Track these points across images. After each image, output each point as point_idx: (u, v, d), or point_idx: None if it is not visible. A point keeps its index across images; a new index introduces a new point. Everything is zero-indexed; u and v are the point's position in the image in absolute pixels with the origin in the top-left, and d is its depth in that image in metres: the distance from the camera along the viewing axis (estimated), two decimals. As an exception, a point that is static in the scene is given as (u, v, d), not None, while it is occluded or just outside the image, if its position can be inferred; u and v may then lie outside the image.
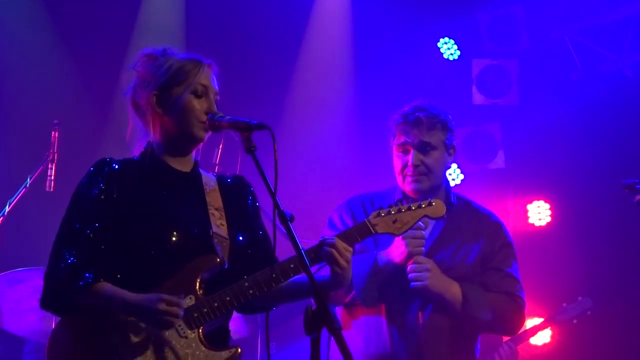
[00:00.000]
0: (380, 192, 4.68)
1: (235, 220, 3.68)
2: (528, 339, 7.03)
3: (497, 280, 4.53)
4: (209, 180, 3.74)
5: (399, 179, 4.57)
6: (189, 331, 3.43)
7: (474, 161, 8.37)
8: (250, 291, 3.49)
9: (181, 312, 3.37)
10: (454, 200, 4.62)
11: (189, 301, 3.45)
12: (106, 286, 3.37)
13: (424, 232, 4.37)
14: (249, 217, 3.74)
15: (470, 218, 4.63)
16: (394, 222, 3.84)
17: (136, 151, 3.65)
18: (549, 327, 7.37)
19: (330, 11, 8.49)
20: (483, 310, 4.42)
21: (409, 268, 4.34)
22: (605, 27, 7.98)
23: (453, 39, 8.51)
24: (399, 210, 3.87)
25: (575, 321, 6.98)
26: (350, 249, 3.62)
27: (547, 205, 8.25)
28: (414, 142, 4.49)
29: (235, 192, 3.76)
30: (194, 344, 3.44)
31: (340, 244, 3.58)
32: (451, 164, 4.68)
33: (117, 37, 3.58)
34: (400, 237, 4.26)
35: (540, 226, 8.26)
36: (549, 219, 8.24)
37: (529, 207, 8.29)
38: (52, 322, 5.76)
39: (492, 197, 8.23)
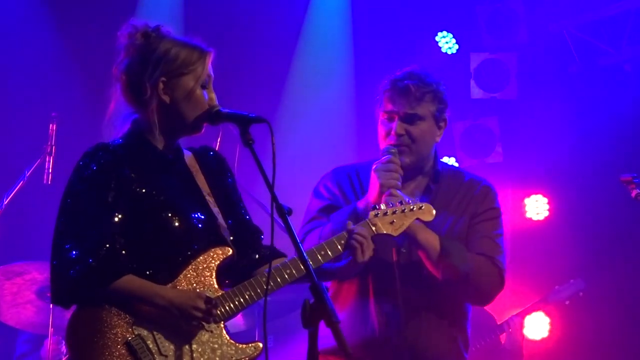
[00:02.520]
0: (366, 163, 4.41)
1: (222, 204, 3.66)
2: (524, 317, 7.03)
3: (478, 242, 4.29)
4: (190, 160, 3.68)
5: (382, 147, 4.33)
6: (214, 325, 3.42)
7: (472, 155, 8.37)
8: (269, 287, 3.48)
9: (217, 312, 3.38)
10: (441, 168, 4.41)
11: (209, 294, 3.44)
12: (134, 278, 3.33)
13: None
14: (231, 199, 3.71)
15: (460, 185, 4.42)
16: (392, 223, 3.95)
17: (119, 132, 3.56)
18: (542, 311, 7.42)
19: (329, 5, 8.47)
20: (460, 263, 4.15)
21: (382, 200, 4.07)
22: (603, 21, 7.98)
23: (451, 33, 8.50)
24: (394, 212, 3.96)
25: (567, 302, 7.00)
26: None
27: (545, 200, 8.25)
28: (400, 112, 4.26)
29: (217, 172, 3.71)
30: (219, 339, 3.43)
31: (367, 234, 3.78)
32: (439, 138, 4.38)
33: (116, 29, 3.58)
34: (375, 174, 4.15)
35: (538, 220, 8.26)
36: (546, 214, 8.24)
37: (526, 201, 8.29)
38: (49, 315, 5.76)
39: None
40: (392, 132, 4.26)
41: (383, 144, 4.32)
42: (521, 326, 6.87)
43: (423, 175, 4.40)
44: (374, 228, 3.91)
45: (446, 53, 8.49)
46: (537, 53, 8.30)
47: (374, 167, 4.20)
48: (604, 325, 7.63)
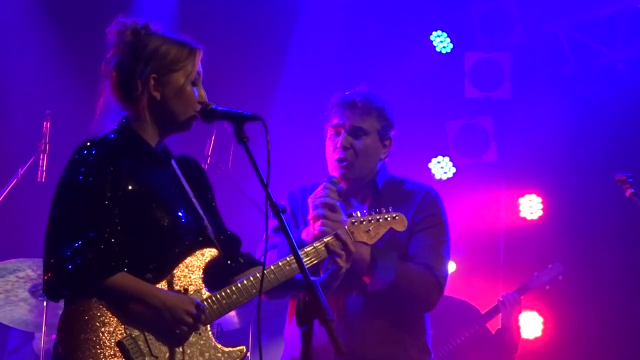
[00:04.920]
0: (311, 186, 4.45)
1: (205, 210, 3.66)
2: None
3: (417, 251, 4.31)
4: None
5: (330, 164, 4.43)
6: (202, 327, 3.43)
7: (466, 154, 8.38)
8: (254, 290, 3.51)
9: (204, 318, 3.40)
10: (380, 182, 4.44)
11: (198, 296, 3.45)
12: (128, 275, 3.32)
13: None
14: (213, 208, 3.73)
15: (402, 193, 4.46)
16: (367, 231, 4.02)
17: (107, 128, 3.55)
18: (536, 311, 7.44)
19: (323, 3, 8.47)
20: (388, 273, 4.17)
21: (309, 215, 4.17)
22: (598, 21, 7.99)
23: (446, 32, 8.51)
24: (370, 221, 4.03)
25: (547, 287, 7.01)
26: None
27: (539, 199, 8.25)
28: (346, 124, 4.36)
29: (199, 180, 3.73)
30: (207, 342, 3.44)
31: (351, 240, 3.84)
32: (385, 157, 4.47)
33: (110, 25, 3.60)
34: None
35: (532, 220, 8.26)
36: (540, 213, 8.24)
37: (520, 200, 8.29)
38: (43, 313, 5.75)
39: (484, 190, 8.24)
40: (338, 145, 4.36)
41: (331, 157, 4.41)
42: (518, 305, 6.84)
43: (363, 187, 4.46)
44: (351, 236, 3.96)
45: (441, 52, 8.50)
46: (531, 52, 8.31)
47: (309, 198, 4.24)
48: (597, 324, 7.64)
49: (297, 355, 4.22)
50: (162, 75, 3.47)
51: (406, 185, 4.51)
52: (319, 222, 4.11)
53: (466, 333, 6.66)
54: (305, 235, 4.18)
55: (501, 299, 6.80)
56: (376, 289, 4.21)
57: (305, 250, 3.82)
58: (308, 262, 3.80)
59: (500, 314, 6.78)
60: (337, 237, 3.88)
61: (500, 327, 6.78)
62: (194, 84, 3.51)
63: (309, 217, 4.18)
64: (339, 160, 4.36)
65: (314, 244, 3.86)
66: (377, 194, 4.42)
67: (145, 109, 3.48)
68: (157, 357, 3.32)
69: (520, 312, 6.86)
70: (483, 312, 6.84)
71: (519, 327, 6.87)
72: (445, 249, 4.37)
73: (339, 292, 4.21)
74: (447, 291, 6.53)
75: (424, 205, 4.41)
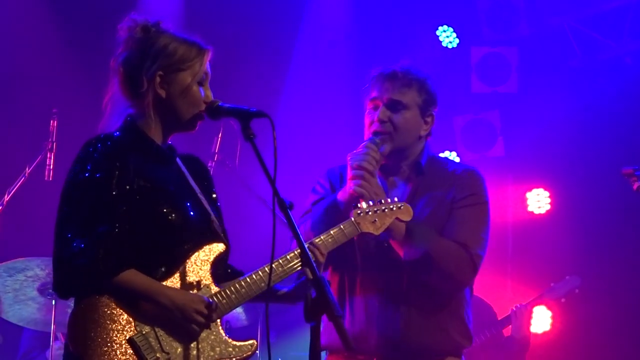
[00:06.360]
0: None
1: (208, 203, 3.66)
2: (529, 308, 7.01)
3: (454, 229, 4.16)
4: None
5: (366, 137, 4.24)
6: (212, 322, 3.43)
7: (473, 149, 8.38)
8: (262, 284, 3.50)
9: (215, 316, 3.40)
10: (424, 161, 4.30)
11: (207, 291, 3.45)
12: (138, 273, 3.32)
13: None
14: (215, 203, 3.72)
15: (444, 174, 4.29)
16: (374, 222, 3.96)
17: (113, 125, 3.55)
18: (545, 305, 7.43)
19: (329, -1, 8.49)
20: (422, 244, 4.05)
21: (348, 175, 4.07)
22: (604, 14, 7.98)
23: (452, 27, 8.50)
24: (375, 211, 3.96)
25: (563, 300, 6.99)
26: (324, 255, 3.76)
27: (547, 193, 8.25)
28: (384, 97, 4.19)
29: (204, 179, 3.73)
30: (217, 337, 3.43)
31: (322, 250, 3.75)
32: (427, 135, 4.31)
33: (117, 24, 3.58)
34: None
35: (540, 214, 8.27)
36: (548, 207, 8.25)
37: (528, 195, 8.29)
38: (52, 311, 5.77)
39: (491, 185, 8.20)
40: (375, 118, 4.19)
41: (367, 132, 4.25)
42: (528, 316, 6.85)
43: (407, 167, 4.32)
44: (357, 226, 3.92)
45: (447, 47, 8.50)
46: (538, 46, 8.30)
47: (347, 155, 4.15)
48: (605, 318, 7.63)
49: (331, 341, 4.13)
50: (168, 73, 3.47)
51: (450, 165, 4.39)
52: (356, 182, 4.04)
53: (482, 337, 6.66)
54: (341, 195, 4.11)
55: (514, 309, 6.79)
56: (409, 258, 4.08)
57: (330, 232, 3.81)
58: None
59: (511, 326, 6.78)
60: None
61: (509, 335, 6.77)
62: (200, 84, 3.51)
63: (348, 176, 4.09)
64: (375, 134, 4.18)
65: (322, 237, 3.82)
66: (421, 175, 4.27)
67: (150, 106, 3.47)
68: (168, 354, 3.32)
69: (530, 324, 6.87)
70: (499, 318, 6.84)
71: (528, 338, 6.86)
72: (484, 230, 4.22)
73: (378, 277, 4.15)
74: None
75: (467, 183, 4.27)
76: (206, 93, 3.52)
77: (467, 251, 4.12)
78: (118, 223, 3.34)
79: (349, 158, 4.13)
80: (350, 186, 4.05)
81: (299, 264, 3.61)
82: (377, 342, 4.15)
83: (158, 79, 3.46)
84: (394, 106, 4.19)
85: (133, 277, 3.31)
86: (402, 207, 4.05)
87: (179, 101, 3.48)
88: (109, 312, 3.30)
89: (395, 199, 4.06)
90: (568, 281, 7.00)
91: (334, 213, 4.06)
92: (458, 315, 4.24)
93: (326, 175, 4.43)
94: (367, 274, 4.20)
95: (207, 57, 3.54)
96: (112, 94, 3.56)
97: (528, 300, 7.04)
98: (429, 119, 4.31)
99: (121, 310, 3.31)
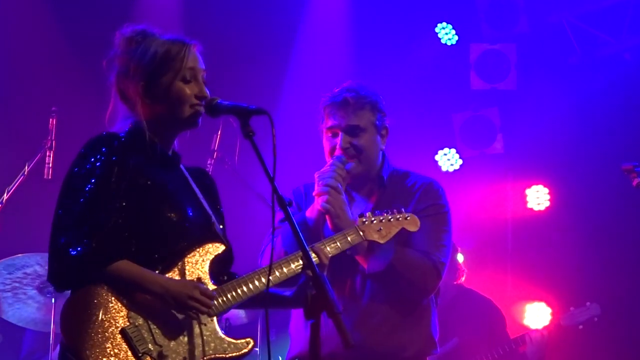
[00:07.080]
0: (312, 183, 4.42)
1: (211, 211, 3.68)
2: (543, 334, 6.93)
3: (417, 238, 4.25)
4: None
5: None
6: (208, 319, 3.43)
7: (473, 146, 8.38)
8: (261, 284, 3.51)
9: (213, 303, 3.40)
10: (386, 174, 4.43)
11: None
12: (131, 263, 3.33)
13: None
14: (219, 212, 3.74)
15: (404, 187, 4.44)
16: (379, 230, 4.04)
17: (120, 129, 3.55)
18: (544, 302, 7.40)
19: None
20: (387, 255, 4.15)
21: (314, 191, 4.19)
22: (603, 11, 7.98)
23: (451, 24, 8.50)
24: (381, 220, 4.05)
25: (581, 327, 6.86)
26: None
27: (546, 190, 8.25)
28: (342, 125, 4.31)
29: (209, 188, 3.76)
30: (212, 333, 3.44)
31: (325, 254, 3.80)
32: (383, 146, 4.44)
33: (115, 23, 3.58)
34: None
35: (539, 211, 8.26)
36: (547, 204, 8.25)
37: (527, 191, 8.29)
38: (52, 310, 5.76)
39: (491, 182, 8.24)
40: (337, 146, 4.32)
41: (328, 159, 4.37)
42: (545, 344, 6.74)
43: (370, 181, 4.43)
44: (362, 234, 3.98)
45: (446, 44, 8.50)
46: (537, 43, 8.30)
47: (315, 174, 4.25)
48: (603, 314, 7.62)
49: (302, 350, 4.24)
50: (149, 80, 3.50)
51: (410, 178, 4.50)
52: (322, 198, 4.14)
53: (495, 353, 6.59)
54: (309, 212, 4.21)
55: (529, 335, 6.70)
56: (373, 271, 4.20)
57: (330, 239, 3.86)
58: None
59: (527, 348, 6.70)
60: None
61: (524, 352, 6.69)
62: (188, 80, 3.51)
63: (314, 193, 4.20)
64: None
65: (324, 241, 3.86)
66: (383, 188, 4.41)
67: (145, 115, 3.50)
68: (161, 346, 3.32)
69: (546, 351, 6.79)
70: (513, 337, 6.75)
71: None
72: (445, 238, 4.35)
73: (344, 281, 4.24)
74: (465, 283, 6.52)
75: (427, 195, 4.40)
76: (199, 87, 3.52)
77: (430, 259, 4.24)
78: (114, 217, 3.35)
79: (316, 176, 4.25)
80: (318, 202, 4.17)
81: (300, 266, 3.63)
82: (341, 348, 4.16)
83: (141, 89, 3.48)
84: (353, 131, 4.33)
85: (126, 266, 3.31)
86: (408, 218, 4.12)
87: (165, 102, 3.50)
88: (102, 302, 3.30)
89: (402, 209, 4.13)
90: (588, 308, 6.81)
91: (304, 231, 4.07)
92: (423, 322, 4.34)
93: (292, 195, 4.53)
94: (332, 280, 4.23)
95: (191, 51, 3.54)
96: (113, 104, 3.60)
97: (548, 323, 6.95)
98: (384, 132, 4.45)
99: (114, 301, 3.31)
